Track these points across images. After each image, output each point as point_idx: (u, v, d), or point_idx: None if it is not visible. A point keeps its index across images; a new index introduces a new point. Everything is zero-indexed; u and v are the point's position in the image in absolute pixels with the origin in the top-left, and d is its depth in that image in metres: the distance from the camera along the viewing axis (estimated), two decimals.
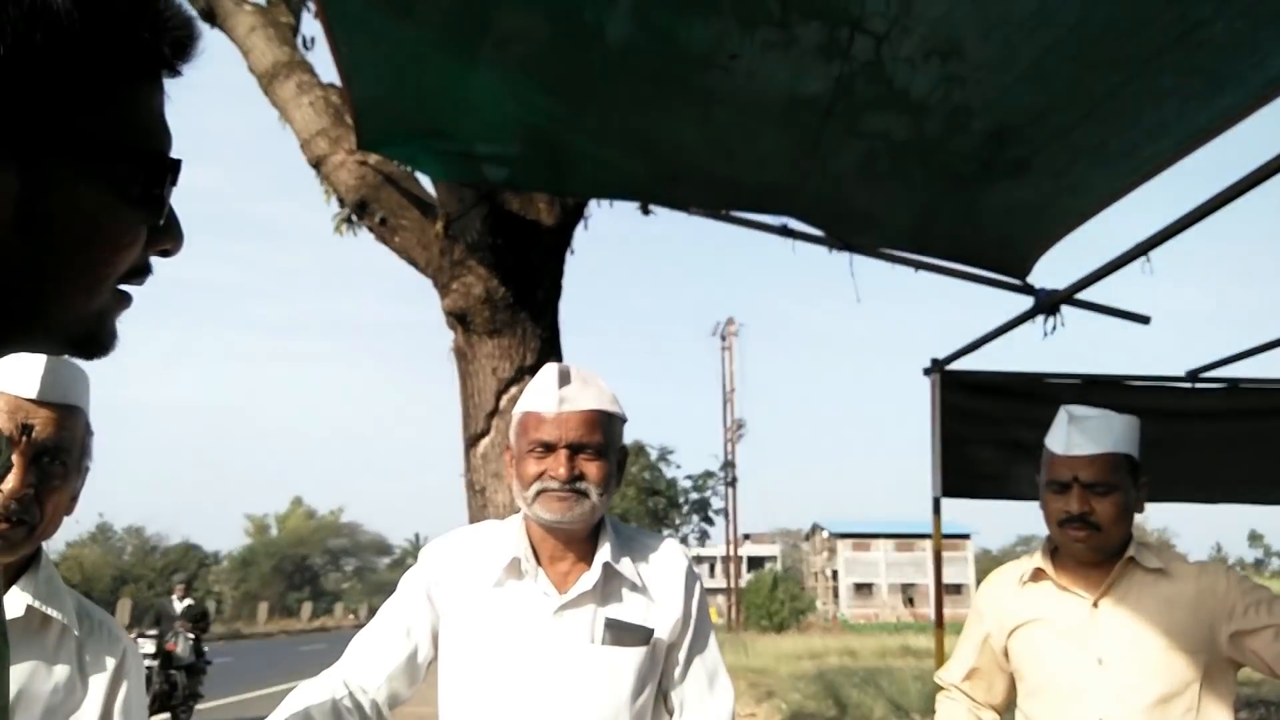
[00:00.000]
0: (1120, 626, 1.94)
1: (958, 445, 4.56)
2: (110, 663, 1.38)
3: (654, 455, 28.56)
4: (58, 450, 1.30)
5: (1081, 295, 3.67)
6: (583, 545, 1.69)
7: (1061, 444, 1.98)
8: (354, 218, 4.25)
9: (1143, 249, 3.13)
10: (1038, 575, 2.06)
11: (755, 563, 68.50)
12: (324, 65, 4.73)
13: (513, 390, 3.70)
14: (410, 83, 2.99)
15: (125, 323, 0.68)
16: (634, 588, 1.68)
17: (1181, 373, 4.65)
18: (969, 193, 3.13)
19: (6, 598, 1.25)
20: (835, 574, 71.98)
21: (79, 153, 0.58)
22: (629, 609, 1.66)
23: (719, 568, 57.70)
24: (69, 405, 1.31)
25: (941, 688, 2.30)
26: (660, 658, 1.68)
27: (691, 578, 1.73)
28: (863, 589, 70.68)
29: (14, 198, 0.59)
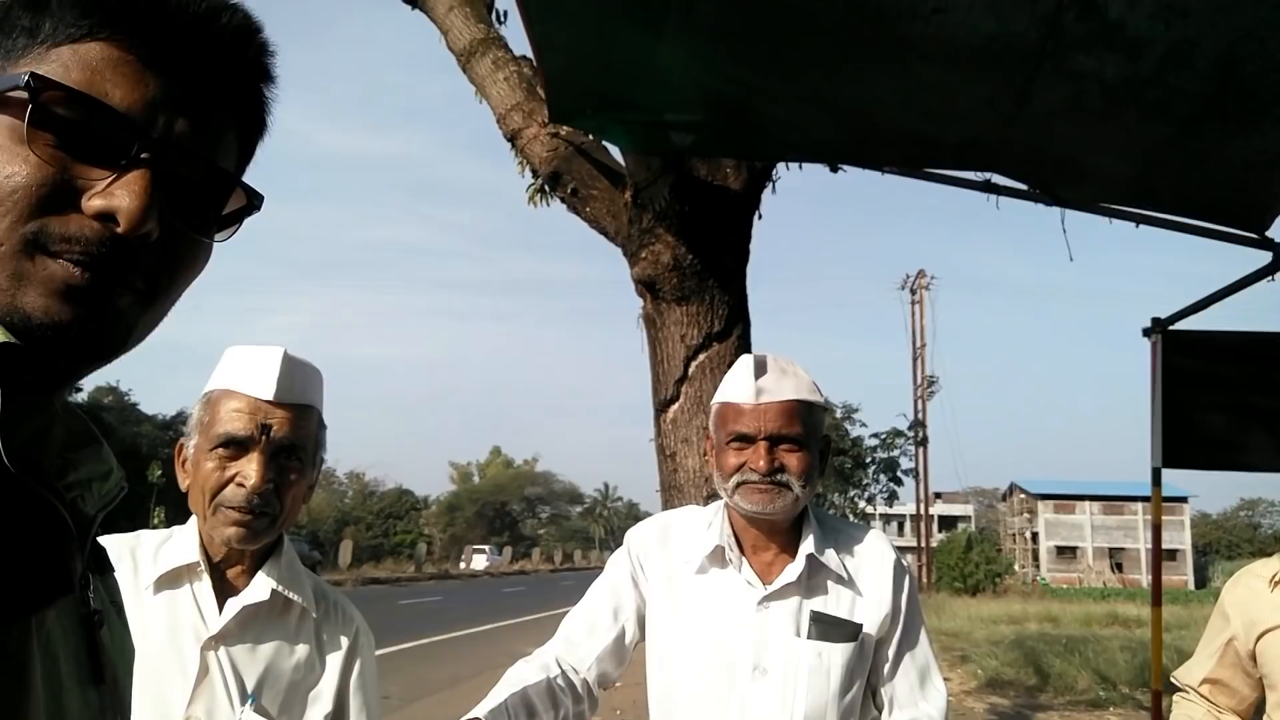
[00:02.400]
0: None
1: (1181, 411, 4.20)
2: (344, 641, 1.49)
3: (839, 413, 27.88)
4: (294, 448, 1.40)
5: None
6: (785, 536, 1.68)
7: None
8: (546, 189, 4.37)
9: None
10: None
11: (947, 522, 66.30)
12: (517, 39, 4.86)
13: (701, 357, 3.72)
14: (598, 55, 3.03)
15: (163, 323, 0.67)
16: (839, 580, 1.65)
17: None
18: (1198, 139, 2.84)
19: (253, 585, 1.39)
20: (1035, 536, 68.73)
21: None
22: (835, 602, 1.64)
23: (908, 526, 56.29)
24: (304, 405, 1.43)
25: (1178, 688, 2.14)
26: (869, 654, 1.65)
27: (900, 571, 1.69)
28: (1065, 552, 67.23)
29: None
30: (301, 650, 1.43)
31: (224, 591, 1.41)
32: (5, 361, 0.57)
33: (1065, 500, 68.04)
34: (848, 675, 1.60)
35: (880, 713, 1.70)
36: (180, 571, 1.39)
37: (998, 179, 3.46)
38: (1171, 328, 4.22)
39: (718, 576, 1.68)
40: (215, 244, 0.71)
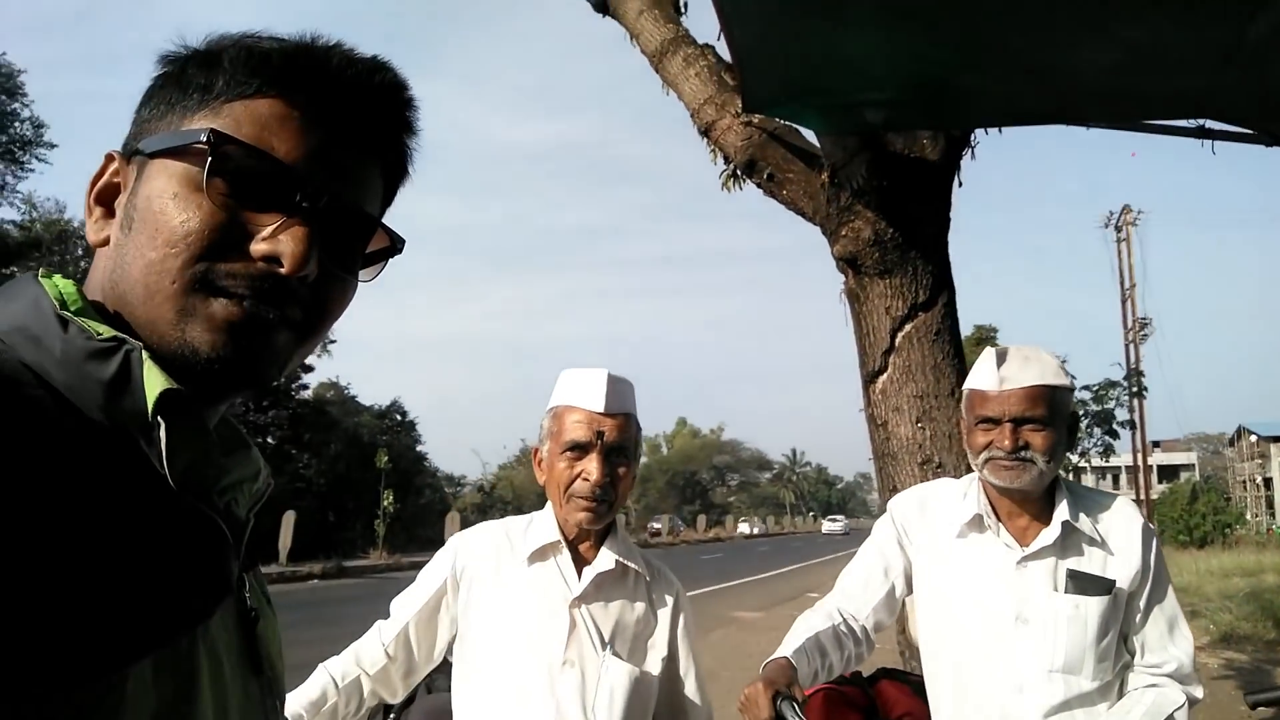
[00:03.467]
0: None
1: None
2: (669, 599, 1.83)
3: None
4: (622, 448, 1.76)
5: None
6: (1038, 504, 1.86)
7: None
8: (739, 174, 4.56)
9: None
10: None
11: (1167, 472, 61.70)
12: (698, 27, 5.05)
13: (907, 327, 3.81)
14: (788, 46, 3.17)
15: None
16: (1092, 542, 1.83)
17: None
18: None
19: (600, 556, 1.72)
20: (1268, 482, 62.88)
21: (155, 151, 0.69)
22: (1089, 561, 1.81)
23: (1123, 478, 52.87)
24: (627, 414, 1.77)
25: None
26: (1121, 606, 1.81)
27: (1148, 533, 1.84)
28: None
29: (124, 201, 0.71)
30: (640, 607, 1.78)
31: (579, 562, 1.77)
32: (169, 403, 0.61)
33: None
34: (1102, 625, 1.78)
35: (1132, 658, 1.85)
36: (546, 549, 1.77)
37: (1211, 124, 3.36)
38: None
39: (977, 540, 1.89)
40: (361, 282, 0.77)
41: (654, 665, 1.76)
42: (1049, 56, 2.90)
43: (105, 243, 0.71)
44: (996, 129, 3.69)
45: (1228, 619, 11.40)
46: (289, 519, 20.60)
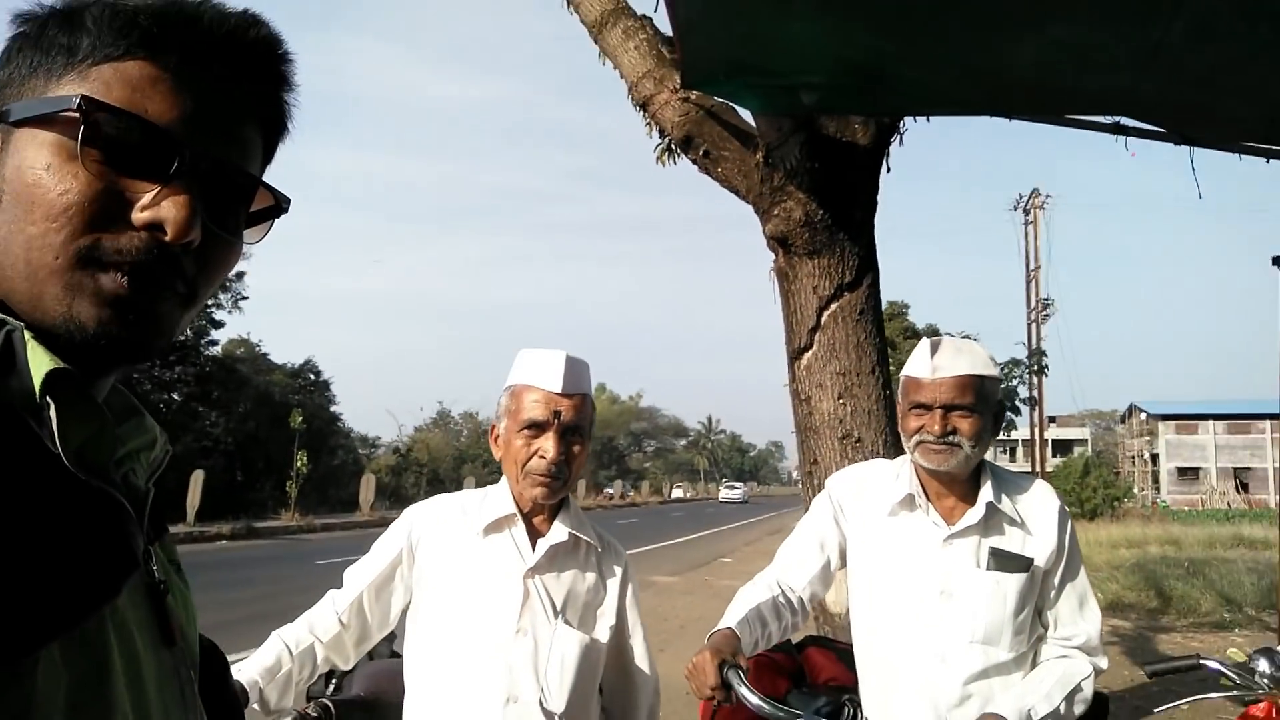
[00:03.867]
0: None
1: None
2: (618, 570, 1.91)
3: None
4: (578, 428, 1.82)
5: None
6: (964, 485, 1.99)
7: None
8: (674, 149, 4.60)
9: None
10: None
11: (1062, 446, 64.59)
12: (641, 4, 5.04)
13: (833, 306, 3.94)
14: (732, 27, 3.22)
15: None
16: (1013, 523, 1.96)
17: None
18: None
19: (553, 529, 1.77)
20: (1155, 458, 66.43)
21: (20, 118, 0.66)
22: (1009, 541, 1.95)
23: (1020, 451, 55.15)
24: (583, 394, 1.83)
25: None
26: (1038, 583, 1.96)
27: (1064, 516, 2.00)
28: (1186, 474, 64.81)
29: None
30: (590, 577, 1.86)
31: (533, 534, 1.84)
32: (57, 382, 0.59)
33: (1188, 420, 65.40)
34: (1020, 600, 1.92)
35: (1045, 631, 2.00)
36: (501, 521, 1.83)
37: (1127, 121, 3.54)
38: None
39: (907, 519, 2.01)
40: (248, 244, 0.76)
41: (603, 634, 1.84)
42: (981, 51, 3.02)
43: None
44: (925, 117, 3.81)
45: (1114, 588, 12.09)
46: (197, 478, 20.06)
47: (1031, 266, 30.66)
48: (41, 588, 0.54)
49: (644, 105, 4.38)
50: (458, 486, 39.92)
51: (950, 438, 1.90)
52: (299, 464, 22.85)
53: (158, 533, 0.75)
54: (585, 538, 1.87)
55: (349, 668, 1.90)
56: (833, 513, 2.12)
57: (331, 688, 1.96)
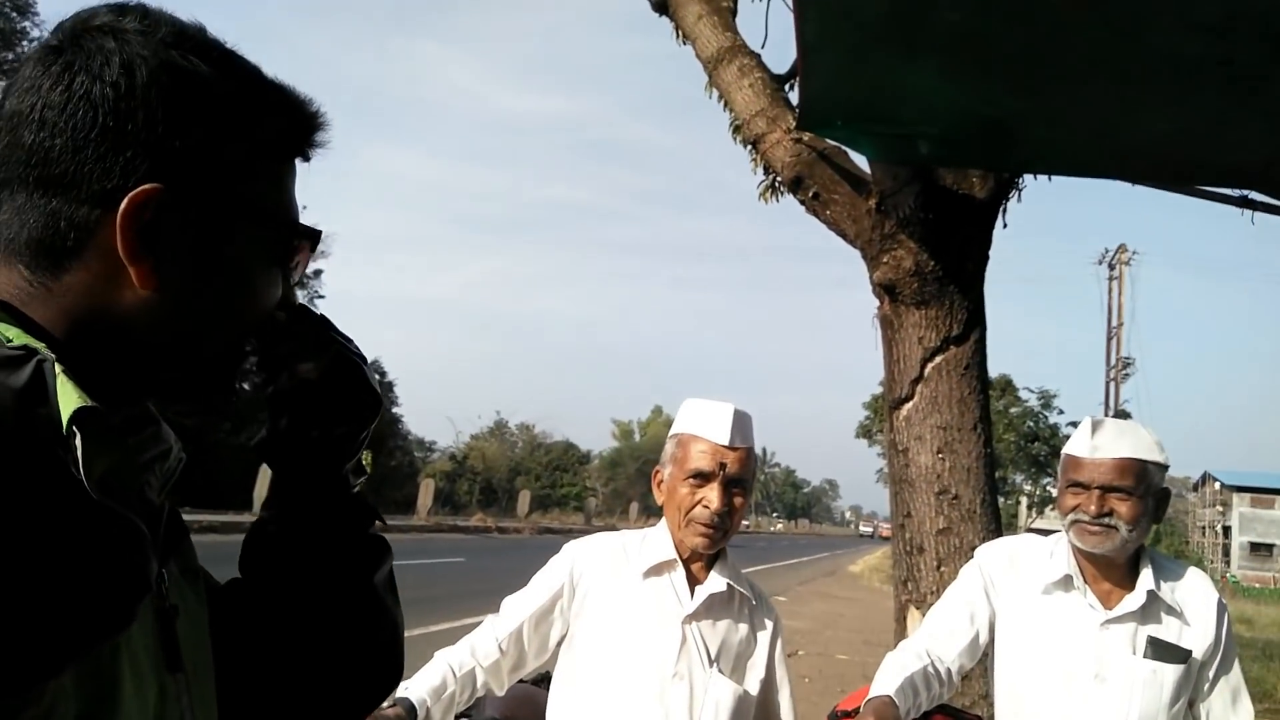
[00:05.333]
0: None
1: None
2: (769, 624, 1.93)
3: (1033, 401, 27.01)
4: (741, 481, 1.85)
5: None
6: (1122, 570, 1.96)
7: None
8: (778, 187, 4.60)
9: None
10: None
11: None
12: (747, 35, 5.06)
13: (938, 359, 3.88)
14: (856, 73, 3.22)
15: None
16: (1171, 612, 1.93)
17: None
18: None
19: (710, 578, 1.79)
20: (1227, 530, 63.93)
21: (243, 213, 0.70)
22: (1167, 630, 1.92)
23: None
24: (748, 448, 1.86)
25: None
26: (1194, 675, 1.92)
27: (1222, 609, 1.96)
28: (1259, 549, 62.18)
29: (190, 245, 0.68)
30: (744, 628, 1.89)
31: (691, 581, 1.87)
32: (84, 416, 0.58)
33: (1264, 494, 62.87)
34: (1176, 691, 1.89)
35: None
36: (661, 565, 1.87)
37: (1256, 195, 3.44)
38: None
39: (1062, 599, 1.99)
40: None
41: (753, 685, 1.87)
42: (1112, 116, 2.96)
43: (153, 286, 0.66)
44: (1048, 176, 3.75)
45: None
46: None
47: (1114, 323, 29.87)
48: (56, 615, 0.54)
49: (754, 143, 4.40)
50: (511, 497, 40.31)
51: (1106, 519, 1.88)
52: (365, 463, 23.19)
53: (177, 542, 0.75)
54: (740, 589, 1.90)
55: (501, 692, 1.93)
56: (983, 585, 2.09)
57: (457, 715, 1.98)
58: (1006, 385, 30.66)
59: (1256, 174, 3.21)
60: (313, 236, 0.74)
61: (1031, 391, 29.32)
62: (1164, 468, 1.95)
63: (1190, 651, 1.90)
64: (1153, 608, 1.93)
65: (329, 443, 0.85)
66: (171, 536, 0.74)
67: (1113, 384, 28.82)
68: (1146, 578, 1.93)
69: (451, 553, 17.60)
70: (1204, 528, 67.09)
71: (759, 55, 4.63)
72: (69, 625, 0.55)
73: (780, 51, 4.24)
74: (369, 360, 0.85)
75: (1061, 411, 29.92)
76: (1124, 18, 2.34)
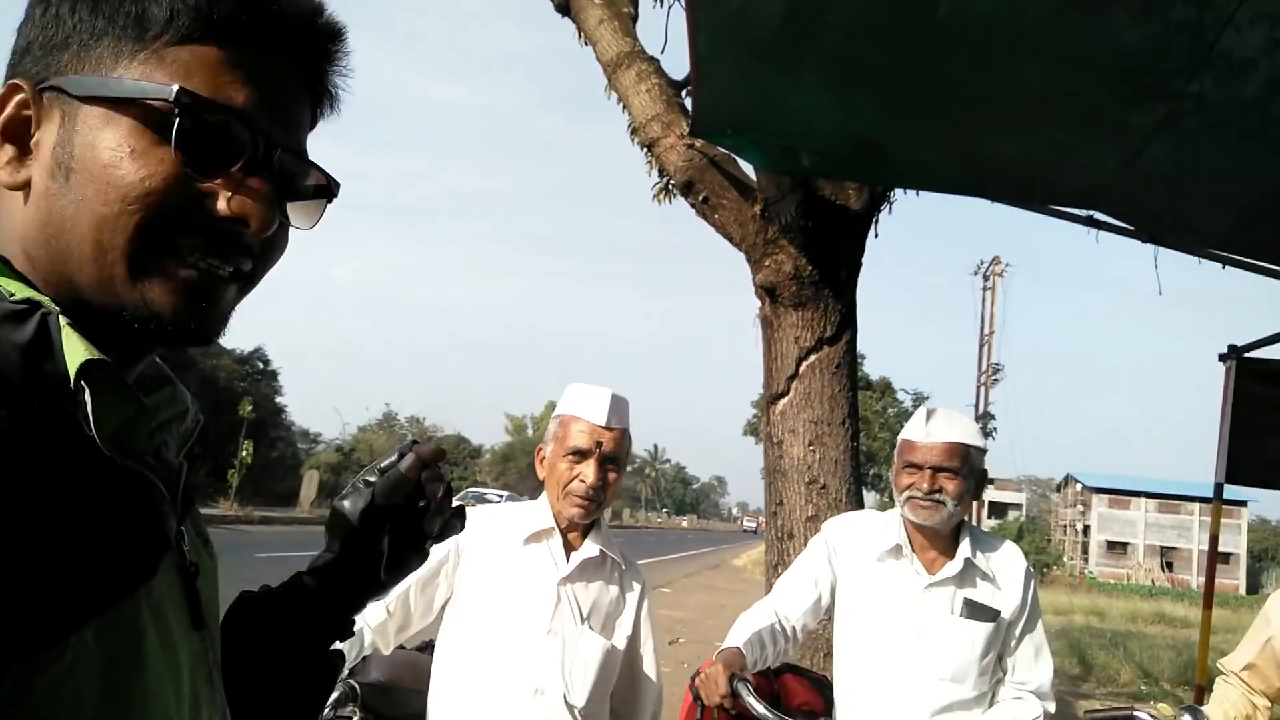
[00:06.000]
0: None
1: (1250, 434, 4.53)
2: (637, 586, 2.12)
3: (908, 401, 28.27)
4: (615, 459, 2.03)
5: None
6: (945, 540, 2.23)
7: None
8: (672, 189, 4.80)
9: None
10: None
11: (997, 509, 65.80)
12: (647, 41, 5.23)
13: (812, 358, 4.15)
14: (746, 87, 3.43)
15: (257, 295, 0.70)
16: (985, 577, 2.21)
17: None
18: None
19: (585, 545, 1.95)
20: (1086, 529, 67.91)
21: (99, 101, 0.63)
22: (981, 593, 2.19)
23: None
24: (624, 429, 2.04)
25: (1222, 672, 2.60)
26: (1002, 632, 2.20)
27: (1029, 576, 2.25)
28: (1115, 547, 66.25)
29: (52, 144, 0.63)
30: (613, 590, 2.07)
31: (568, 548, 2.04)
32: (93, 370, 0.57)
33: (1120, 495, 67.03)
34: (986, 646, 2.17)
35: (1004, 675, 2.24)
36: (540, 533, 2.04)
37: (1101, 216, 3.81)
38: (1247, 355, 4.55)
39: (893, 565, 2.25)
40: (303, 230, 0.75)
41: (620, 640, 2.05)
42: (975, 141, 3.26)
43: (24, 186, 0.64)
44: (916, 191, 4.05)
45: None
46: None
47: (986, 331, 31.48)
48: (76, 571, 0.54)
49: (649, 146, 4.58)
50: None
51: (936, 495, 2.15)
52: (244, 453, 22.53)
53: (188, 507, 0.72)
54: (612, 555, 2.08)
55: (388, 651, 2.05)
56: (827, 554, 2.35)
57: (346, 672, 2.09)
58: (886, 387, 32.01)
59: (1100, 195, 3.56)
60: (193, 105, 0.63)
61: (908, 394, 30.75)
62: (983, 452, 2.24)
63: (999, 612, 2.17)
64: (969, 573, 2.20)
65: (380, 584, 0.91)
66: (188, 499, 0.72)
67: (983, 388, 30.37)
68: (965, 547, 2.20)
69: None
70: (1065, 526, 71.09)
71: (658, 61, 4.80)
72: (86, 581, 0.55)
73: (680, 56, 4.44)
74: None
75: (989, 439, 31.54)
76: (981, 52, 2.61)
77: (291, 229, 0.73)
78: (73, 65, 0.65)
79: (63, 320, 0.59)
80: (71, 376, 0.57)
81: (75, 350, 0.57)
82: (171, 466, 0.69)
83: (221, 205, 0.65)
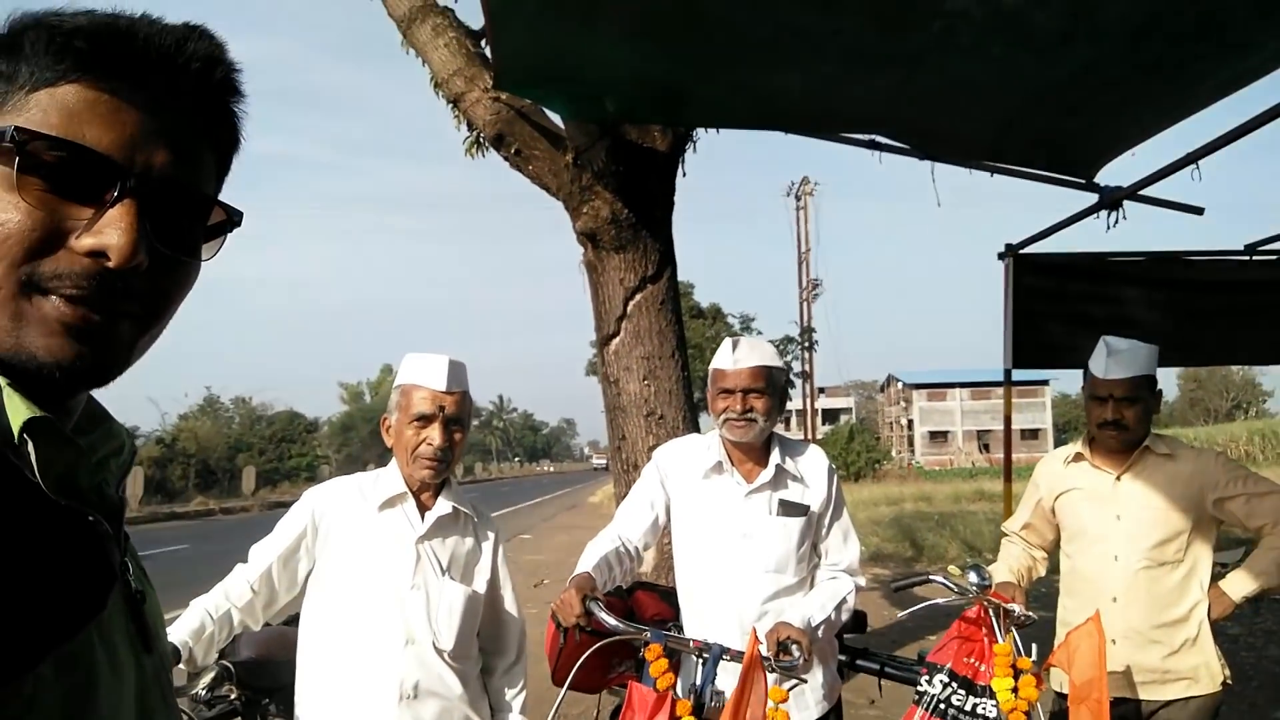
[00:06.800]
0: (1134, 493, 2.59)
1: (1028, 321, 5.06)
2: (491, 535, 2.27)
3: (736, 324, 29.31)
4: (459, 420, 2.14)
5: (1141, 192, 4.09)
6: (759, 452, 2.48)
7: (1101, 369, 2.61)
8: (484, 144, 4.81)
9: (1194, 157, 3.55)
10: (1078, 458, 2.73)
11: (830, 415, 69.54)
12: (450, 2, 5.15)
13: (638, 297, 4.33)
14: (543, 38, 3.49)
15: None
16: (795, 479, 2.47)
17: (1239, 247, 5.05)
18: (1040, 113, 3.56)
19: (438, 504, 2.04)
20: (910, 423, 72.83)
21: None
22: (792, 493, 2.46)
23: (794, 421, 59.03)
24: (464, 391, 2.15)
25: (1006, 534, 3.03)
26: (814, 524, 2.48)
27: (831, 472, 2.53)
28: (937, 437, 71.46)
29: None
30: (469, 542, 2.21)
31: (422, 508, 2.15)
32: (36, 425, 0.60)
33: (937, 389, 72.19)
34: (801, 537, 2.44)
35: (820, 560, 2.53)
36: (394, 498, 2.13)
37: (881, 139, 4.13)
38: (1021, 252, 5.06)
39: (716, 480, 2.49)
40: (202, 261, 0.74)
41: (480, 585, 2.20)
42: (763, 78, 3.46)
43: None
44: (715, 129, 4.25)
45: (875, 541, 13.49)
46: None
47: (803, 249, 32.91)
48: (32, 609, 0.56)
49: (454, 101, 4.57)
50: (234, 476, 37.80)
51: (749, 414, 2.38)
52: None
53: (126, 538, 0.73)
54: (464, 509, 2.21)
55: (257, 627, 2.10)
56: (659, 478, 2.57)
57: (217, 654, 2.14)
58: (716, 314, 33.08)
59: (879, 120, 3.86)
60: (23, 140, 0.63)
61: (736, 318, 31.91)
62: (784, 371, 2.51)
63: (809, 506, 2.46)
64: (781, 478, 2.46)
65: None
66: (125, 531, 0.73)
67: (805, 304, 31.91)
68: (775, 456, 2.46)
69: (172, 541, 16.44)
70: (891, 423, 76.06)
71: (452, 12, 4.75)
72: (42, 618, 0.57)
73: (475, 3, 4.41)
74: None
75: (760, 332, 32.86)
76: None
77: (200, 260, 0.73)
78: None
79: (2, 381, 0.61)
80: (15, 433, 0.59)
81: (17, 409, 0.60)
82: (111, 501, 0.70)
83: (77, 240, 0.64)
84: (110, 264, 0.64)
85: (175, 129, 0.69)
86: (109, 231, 0.64)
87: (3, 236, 0.62)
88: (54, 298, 0.63)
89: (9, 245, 0.62)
